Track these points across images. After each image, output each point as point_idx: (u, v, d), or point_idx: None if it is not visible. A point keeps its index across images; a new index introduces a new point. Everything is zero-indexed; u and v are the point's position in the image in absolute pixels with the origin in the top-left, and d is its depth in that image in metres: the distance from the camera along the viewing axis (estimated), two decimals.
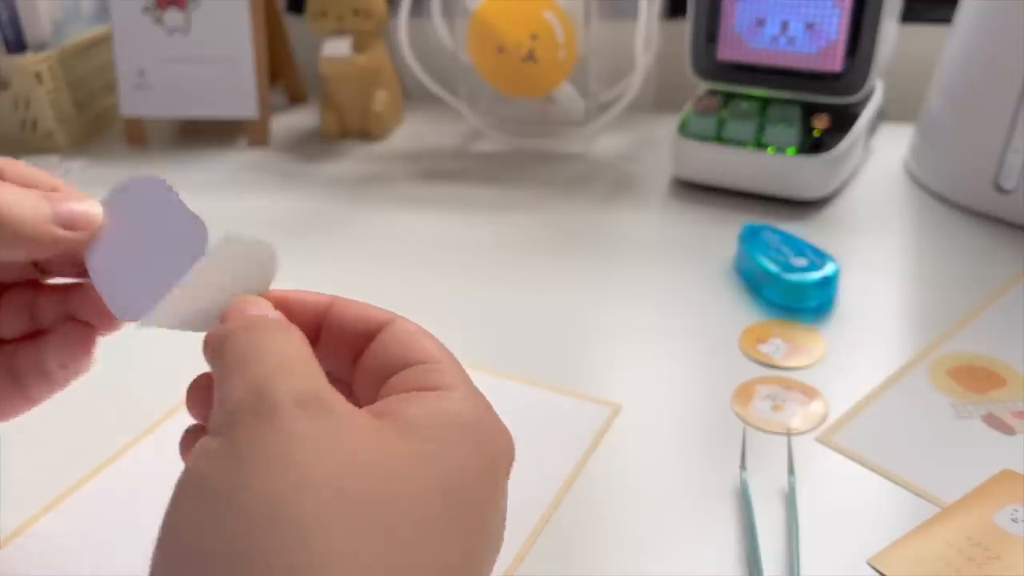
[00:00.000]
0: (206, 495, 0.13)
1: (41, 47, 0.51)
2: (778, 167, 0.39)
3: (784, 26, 0.39)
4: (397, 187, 0.46)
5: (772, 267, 0.32)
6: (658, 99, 0.45)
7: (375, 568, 0.13)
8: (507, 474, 0.16)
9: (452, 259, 0.38)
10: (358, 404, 0.16)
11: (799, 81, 0.39)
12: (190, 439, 0.18)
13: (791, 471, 0.24)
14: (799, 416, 0.27)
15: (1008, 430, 0.26)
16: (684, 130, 0.42)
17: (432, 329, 0.33)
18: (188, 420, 0.19)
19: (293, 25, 0.56)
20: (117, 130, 0.54)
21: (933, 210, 0.40)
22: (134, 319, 0.18)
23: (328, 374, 0.16)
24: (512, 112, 0.48)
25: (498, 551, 0.16)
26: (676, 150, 0.42)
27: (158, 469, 0.25)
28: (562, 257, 0.37)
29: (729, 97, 0.41)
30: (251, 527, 0.13)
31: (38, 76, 0.50)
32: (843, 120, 0.40)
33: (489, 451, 0.16)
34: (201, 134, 0.53)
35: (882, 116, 0.44)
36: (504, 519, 0.16)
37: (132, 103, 0.51)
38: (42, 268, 0.20)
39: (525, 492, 0.21)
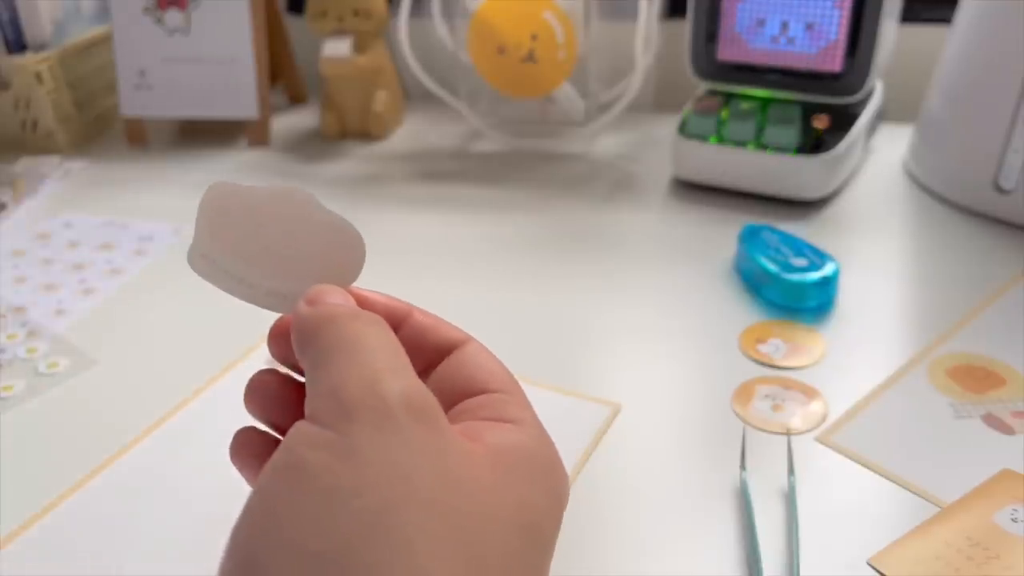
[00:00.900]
0: (319, 492, 0.13)
1: (41, 47, 0.51)
2: (778, 167, 0.39)
3: (784, 26, 0.39)
4: (397, 187, 0.46)
5: (772, 267, 0.32)
6: (658, 99, 0.45)
7: None
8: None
9: (452, 259, 0.38)
10: None
11: (799, 81, 0.39)
12: (259, 393, 0.17)
13: (791, 471, 0.24)
14: (799, 416, 0.27)
15: (1007, 430, 0.26)
16: (684, 130, 0.42)
17: None
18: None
19: (293, 25, 0.56)
20: (117, 130, 0.54)
21: (932, 210, 0.40)
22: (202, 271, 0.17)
23: None
24: (512, 112, 0.48)
25: None
26: (676, 150, 0.42)
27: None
28: (562, 257, 0.37)
29: (729, 97, 0.41)
30: (363, 534, 0.13)
31: (38, 76, 0.50)
32: (843, 120, 0.40)
33: (557, 490, 0.16)
34: (201, 134, 0.53)
35: (882, 116, 0.44)
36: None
37: (132, 103, 0.51)
38: None
39: None
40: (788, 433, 0.26)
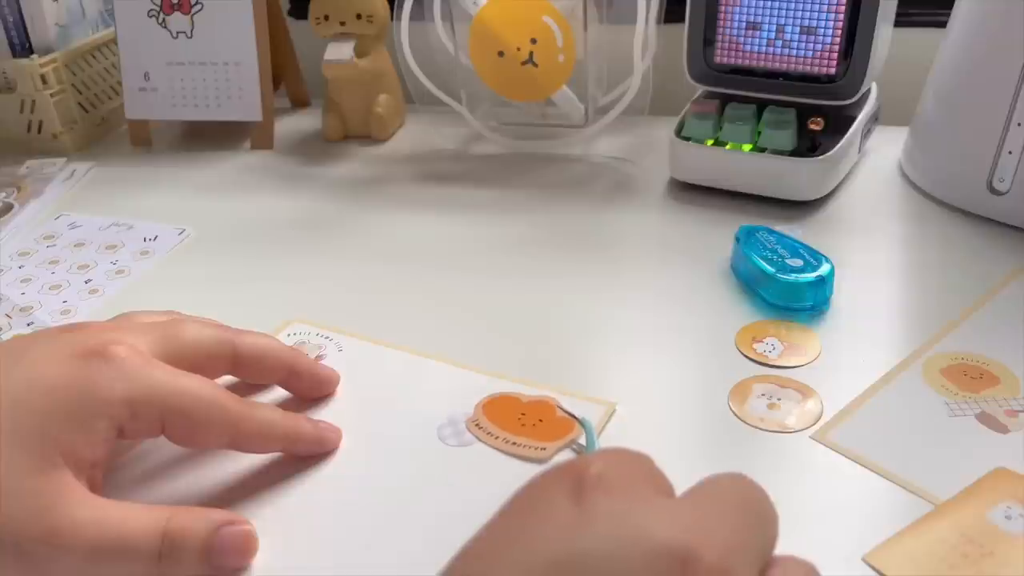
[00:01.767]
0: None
1: (47, 50, 0.52)
2: (774, 169, 0.40)
3: (779, 30, 0.39)
4: (398, 188, 0.46)
5: (768, 267, 0.33)
6: (656, 102, 0.46)
7: None
8: None
9: (451, 260, 0.39)
10: None
11: (795, 85, 0.40)
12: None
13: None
14: (794, 415, 0.27)
15: (1001, 428, 0.26)
16: (681, 133, 0.42)
17: (431, 329, 0.33)
18: None
19: (296, 29, 0.56)
20: (122, 132, 0.55)
21: (927, 211, 0.40)
22: None
23: None
24: (512, 115, 0.49)
25: None
26: (673, 152, 0.42)
27: None
28: (560, 257, 0.38)
29: (726, 100, 0.42)
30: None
31: (43, 79, 0.51)
32: (838, 123, 0.40)
33: None
34: (205, 136, 0.54)
35: (877, 118, 0.44)
36: None
37: (137, 106, 0.52)
38: None
39: None
40: (783, 431, 0.26)
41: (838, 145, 0.39)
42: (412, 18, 0.46)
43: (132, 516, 0.21)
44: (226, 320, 0.28)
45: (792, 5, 0.39)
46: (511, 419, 0.27)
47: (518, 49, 0.44)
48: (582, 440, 0.26)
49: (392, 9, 0.47)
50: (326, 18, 0.49)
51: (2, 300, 0.36)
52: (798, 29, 0.39)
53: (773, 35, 0.39)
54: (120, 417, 0.21)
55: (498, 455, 0.26)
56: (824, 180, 0.40)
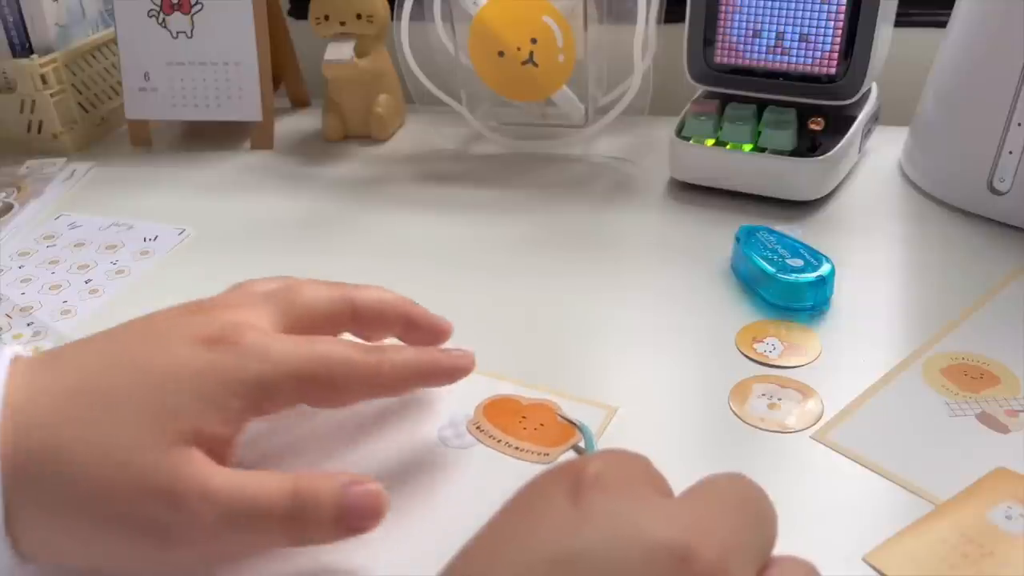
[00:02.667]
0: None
1: (46, 50, 0.52)
2: (774, 169, 0.40)
3: (780, 31, 0.39)
4: (398, 188, 0.46)
5: (768, 267, 0.33)
6: (656, 102, 0.46)
7: None
8: None
9: (452, 260, 0.39)
10: None
11: (795, 85, 0.40)
12: None
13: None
14: (795, 415, 0.27)
15: (1002, 428, 0.26)
16: (681, 132, 0.42)
17: None
18: None
19: (296, 29, 0.56)
20: (122, 132, 0.55)
21: (928, 211, 0.40)
22: None
23: None
24: (512, 115, 0.49)
25: None
26: (673, 152, 0.42)
27: None
28: (560, 258, 0.38)
29: (726, 100, 0.42)
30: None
31: (43, 79, 0.51)
32: (838, 123, 0.40)
33: None
34: (205, 136, 0.54)
35: (877, 118, 0.44)
36: None
37: (137, 106, 0.52)
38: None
39: None
40: (783, 431, 0.26)
41: (838, 145, 0.39)
42: (412, 18, 0.46)
43: (261, 479, 0.20)
44: None
45: (793, 6, 0.39)
46: (512, 422, 0.27)
47: (518, 49, 0.44)
48: (582, 444, 0.26)
49: (392, 9, 0.47)
50: (326, 18, 0.49)
51: (2, 300, 0.36)
52: (798, 30, 0.39)
53: (773, 36, 0.39)
54: (254, 397, 0.21)
55: (499, 456, 0.26)
56: (824, 180, 0.40)
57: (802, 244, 0.34)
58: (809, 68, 0.39)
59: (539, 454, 0.26)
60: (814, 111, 0.40)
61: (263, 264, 0.39)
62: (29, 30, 0.51)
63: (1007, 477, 0.24)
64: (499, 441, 0.26)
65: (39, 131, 0.52)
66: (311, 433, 0.26)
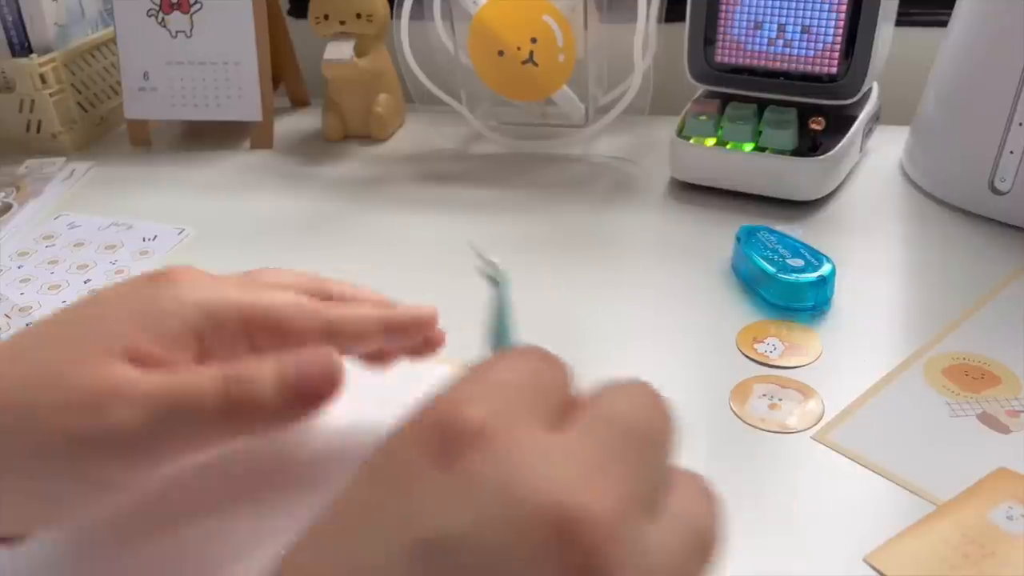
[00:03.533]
0: None
1: (46, 50, 0.51)
2: (775, 169, 0.40)
3: (781, 29, 0.39)
4: (398, 188, 0.46)
5: (769, 267, 0.33)
6: (656, 102, 0.46)
7: None
8: None
9: (452, 259, 0.38)
10: None
11: (796, 84, 0.40)
12: None
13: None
14: (795, 415, 0.27)
15: (1003, 428, 0.26)
16: (682, 132, 0.42)
17: None
18: None
19: (295, 28, 0.56)
20: (122, 132, 0.55)
21: (928, 211, 0.40)
22: None
23: None
24: (512, 114, 0.49)
25: None
26: (674, 152, 0.42)
27: None
28: (561, 257, 0.38)
29: (727, 100, 0.42)
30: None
31: (43, 78, 0.50)
32: (839, 122, 0.40)
33: None
34: (205, 136, 0.54)
35: (878, 118, 0.44)
36: None
37: (136, 105, 0.52)
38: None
39: None
40: (785, 431, 0.26)
41: (839, 145, 0.39)
42: (412, 17, 0.46)
43: (191, 372, 0.19)
44: None
45: (793, 4, 0.38)
46: None
47: (518, 48, 0.44)
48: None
49: (392, 8, 0.47)
50: (326, 17, 0.49)
51: (1, 300, 0.36)
52: (799, 28, 0.39)
53: (774, 35, 0.39)
54: (193, 321, 0.19)
55: None
56: (825, 180, 0.40)
57: (803, 244, 0.34)
58: (810, 67, 0.39)
59: None
60: (815, 111, 0.39)
61: (262, 263, 0.39)
62: (28, 30, 0.51)
63: (1008, 477, 0.24)
64: None
65: (38, 131, 0.52)
66: (311, 429, 0.26)
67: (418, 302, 0.35)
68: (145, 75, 0.51)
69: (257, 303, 0.20)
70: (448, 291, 0.36)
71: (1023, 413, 0.27)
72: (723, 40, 0.41)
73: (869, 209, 0.41)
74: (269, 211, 0.44)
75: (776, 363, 0.30)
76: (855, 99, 0.39)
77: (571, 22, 0.43)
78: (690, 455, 0.26)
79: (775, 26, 0.39)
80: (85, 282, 0.38)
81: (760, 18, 0.39)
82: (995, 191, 0.38)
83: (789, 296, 0.32)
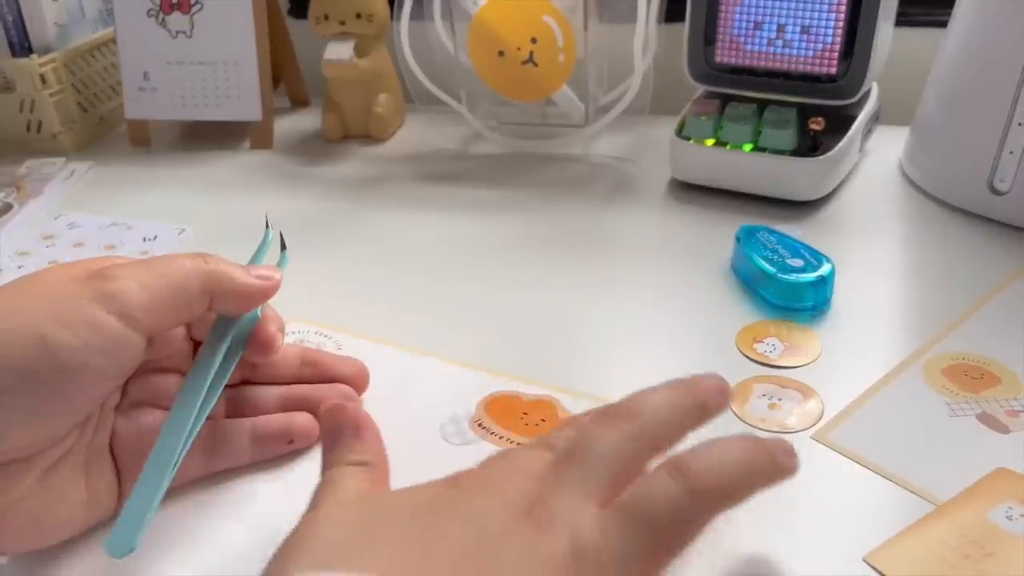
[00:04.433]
0: None
1: (46, 50, 0.52)
2: (775, 169, 0.40)
3: (780, 30, 0.39)
4: (398, 188, 0.46)
5: (768, 267, 0.33)
6: (656, 102, 0.46)
7: None
8: None
9: (452, 259, 0.39)
10: None
11: (795, 84, 0.40)
12: None
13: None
14: (795, 415, 0.27)
15: (1002, 428, 0.26)
16: (682, 132, 0.42)
17: (431, 328, 0.33)
18: None
19: (295, 28, 0.56)
20: (122, 132, 0.55)
21: (928, 211, 0.40)
22: None
23: None
24: (512, 114, 0.49)
25: None
26: (674, 152, 0.42)
27: None
28: (561, 257, 0.38)
29: (726, 100, 0.42)
30: None
31: (43, 78, 0.50)
32: (839, 122, 0.40)
33: None
34: (205, 136, 0.54)
35: (878, 118, 0.44)
36: None
37: (136, 105, 0.52)
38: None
39: None
40: (784, 431, 0.26)
41: (839, 145, 0.39)
42: (412, 18, 0.46)
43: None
44: None
45: (793, 4, 0.38)
46: (514, 418, 0.27)
47: (518, 49, 0.44)
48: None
49: (392, 9, 0.47)
50: (326, 17, 0.49)
51: None
52: (799, 29, 0.39)
53: (774, 35, 0.39)
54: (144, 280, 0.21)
55: None
56: (824, 180, 0.40)
57: (802, 244, 0.34)
58: (810, 68, 0.39)
59: None
60: (814, 111, 0.39)
61: None
62: (28, 30, 0.51)
63: (1007, 477, 0.24)
64: (501, 437, 0.26)
65: (38, 131, 0.52)
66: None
67: (418, 302, 0.35)
68: (145, 75, 0.51)
69: (212, 272, 0.24)
70: (448, 290, 0.36)
71: (1022, 413, 0.27)
72: (723, 40, 0.41)
73: (869, 209, 0.41)
74: (269, 211, 0.44)
75: (776, 363, 0.30)
76: (855, 99, 0.39)
77: (571, 22, 0.43)
78: None
79: (775, 26, 0.39)
80: None
81: (760, 18, 0.39)
82: (994, 191, 0.38)
83: (789, 296, 0.32)
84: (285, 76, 0.57)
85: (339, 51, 0.48)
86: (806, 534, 0.23)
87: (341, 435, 0.22)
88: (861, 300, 0.33)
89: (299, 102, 0.59)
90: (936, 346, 0.30)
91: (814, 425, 0.27)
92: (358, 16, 0.49)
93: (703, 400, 0.20)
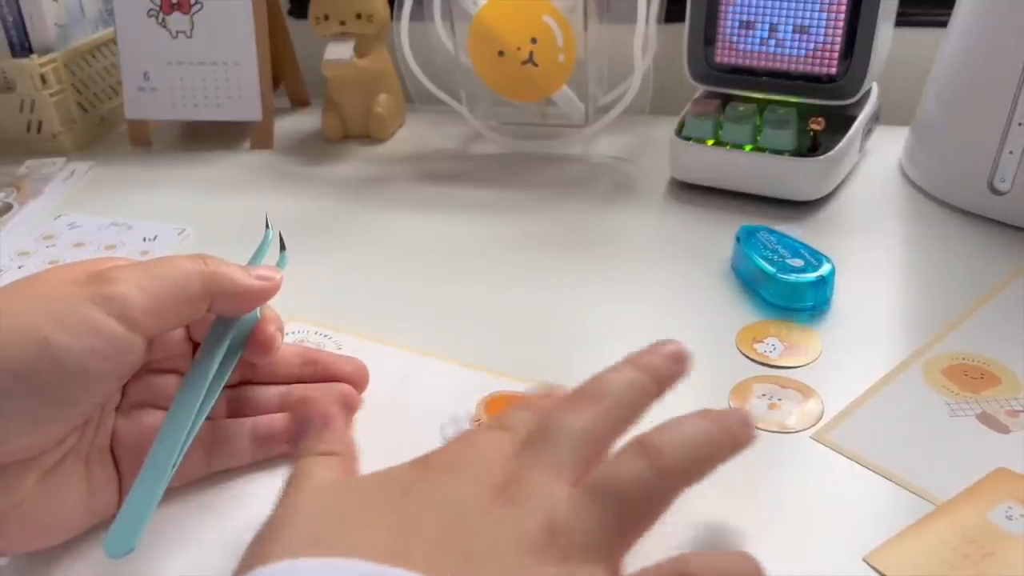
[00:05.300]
0: None
1: (46, 50, 0.52)
2: (775, 169, 0.40)
3: (780, 30, 0.39)
4: (398, 188, 0.46)
5: (768, 267, 0.33)
6: (656, 102, 0.46)
7: None
8: None
9: (452, 259, 0.39)
10: None
11: (795, 84, 0.40)
12: None
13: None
14: (795, 415, 0.27)
15: (1002, 428, 0.26)
16: (682, 132, 0.42)
17: (432, 328, 0.33)
18: None
19: (295, 28, 0.56)
20: (122, 132, 0.55)
21: (928, 211, 0.40)
22: None
23: None
24: (512, 115, 0.49)
25: None
26: (674, 152, 0.42)
27: None
28: (561, 257, 0.38)
29: (726, 100, 0.42)
30: None
31: (43, 78, 0.50)
32: (839, 122, 0.40)
33: None
34: (205, 136, 0.54)
35: (877, 118, 0.44)
36: None
37: (136, 106, 0.52)
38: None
39: None
40: (783, 431, 0.26)
41: (839, 145, 0.39)
42: (412, 18, 0.46)
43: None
44: None
45: (793, 5, 0.38)
46: None
47: (518, 49, 0.44)
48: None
49: (392, 9, 0.47)
50: (326, 18, 0.49)
51: None
52: (798, 28, 0.39)
53: (773, 35, 0.39)
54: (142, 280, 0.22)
55: None
56: (824, 180, 0.40)
57: (802, 244, 0.34)
58: (809, 68, 0.39)
59: None
60: (815, 111, 0.39)
61: None
62: (29, 30, 0.51)
63: (1007, 477, 0.24)
64: None
65: (39, 131, 0.52)
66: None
67: (418, 302, 0.35)
68: (145, 75, 0.51)
69: (212, 273, 0.24)
70: (448, 290, 0.36)
71: (1022, 413, 0.27)
72: (723, 40, 0.41)
73: (869, 209, 0.41)
74: (269, 211, 0.44)
75: (776, 363, 0.30)
76: (855, 99, 0.39)
77: (571, 22, 0.43)
78: None
79: (775, 26, 0.39)
80: None
81: (760, 19, 0.39)
82: (995, 191, 0.38)
83: (789, 296, 0.32)
84: (285, 76, 0.57)
85: (339, 51, 0.48)
86: (806, 534, 0.23)
87: (310, 427, 0.22)
88: (861, 300, 0.33)
89: (299, 102, 0.59)
90: (936, 346, 0.30)
91: (814, 425, 0.27)
92: (358, 16, 0.49)
93: (661, 375, 0.22)
